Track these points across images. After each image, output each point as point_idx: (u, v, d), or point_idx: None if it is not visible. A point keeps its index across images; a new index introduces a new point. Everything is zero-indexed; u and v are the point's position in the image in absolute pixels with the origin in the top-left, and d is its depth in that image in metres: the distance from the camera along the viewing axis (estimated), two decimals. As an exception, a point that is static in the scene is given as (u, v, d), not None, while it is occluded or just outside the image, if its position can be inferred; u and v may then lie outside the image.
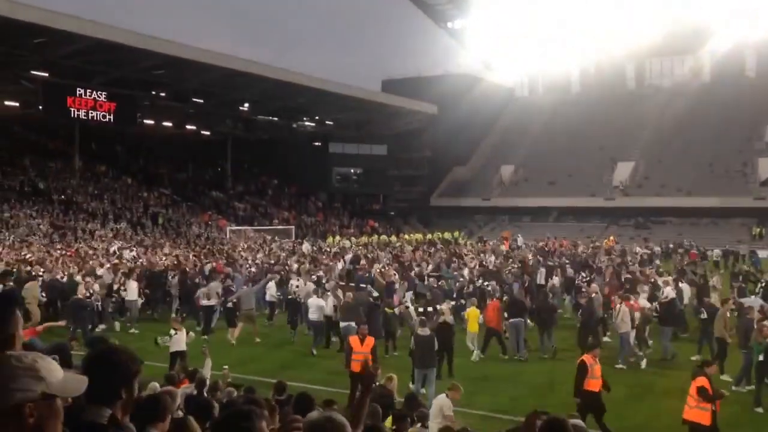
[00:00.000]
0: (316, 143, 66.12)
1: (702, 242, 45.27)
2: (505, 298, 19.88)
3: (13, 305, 2.37)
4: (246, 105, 53.02)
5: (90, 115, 41.14)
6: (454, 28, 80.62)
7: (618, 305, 16.98)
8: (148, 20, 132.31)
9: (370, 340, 13.37)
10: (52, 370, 1.92)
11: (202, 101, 48.65)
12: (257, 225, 51.41)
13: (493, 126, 75.05)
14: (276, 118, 56.89)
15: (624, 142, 64.72)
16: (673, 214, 56.32)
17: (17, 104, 43.94)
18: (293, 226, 52.19)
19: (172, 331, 14.66)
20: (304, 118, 59.37)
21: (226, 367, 12.06)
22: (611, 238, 49.15)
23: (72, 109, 40.14)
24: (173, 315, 19.79)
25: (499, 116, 75.99)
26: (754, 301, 19.05)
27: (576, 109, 71.23)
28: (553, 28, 72.67)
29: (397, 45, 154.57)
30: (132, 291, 21.24)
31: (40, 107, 40.46)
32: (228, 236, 45.73)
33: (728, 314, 15.75)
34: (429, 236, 53.39)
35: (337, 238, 49.26)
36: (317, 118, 59.51)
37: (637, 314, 16.85)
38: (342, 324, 17.25)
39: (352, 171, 69.81)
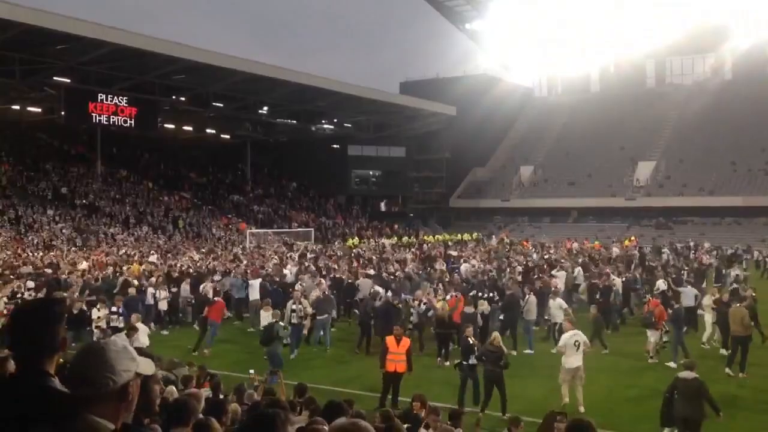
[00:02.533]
0: (335, 146, 66.28)
1: (724, 242, 44.74)
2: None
3: (57, 310, 2.47)
4: (265, 108, 53.28)
5: (111, 120, 41.49)
6: (472, 29, 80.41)
7: (528, 295, 19.14)
8: (168, 26, 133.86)
9: (406, 341, 13.40)
10: (135, 352, 2.21)
11: (221, 105, 48.98)
12: (277, 228, 51.66)
13: (512, 127, 74.75)
14: (295, 121, 57.10)
15: (645, 142, 64.17)
16: (696, 214, 55.68)
17: (39, 110, 44.58)
18: (312, 229, 52.37)
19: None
20: (323, 121, 59.53)
21: (252, 371, 12.17)
22: (632, 238, 48.76)
23: (93, 115, 40.51)
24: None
25: (518, 117, 75.65)
26: (689, 291, 20.18)
27: (595, 109, 70.74)
28: (571, 28, 72.23)
29: (416, 47, 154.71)
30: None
31: (62, 113, 40.95)
32: (248, 239, 45.99)
33: (745, 310, 15.62)
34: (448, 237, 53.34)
35: (356, 239, 49.40)
36: (336, 120, 59.65)
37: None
38: (318, 317, 18.68)
39: (370, 173, 69.87)
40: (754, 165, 57.30)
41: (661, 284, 21.23)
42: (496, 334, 13.65)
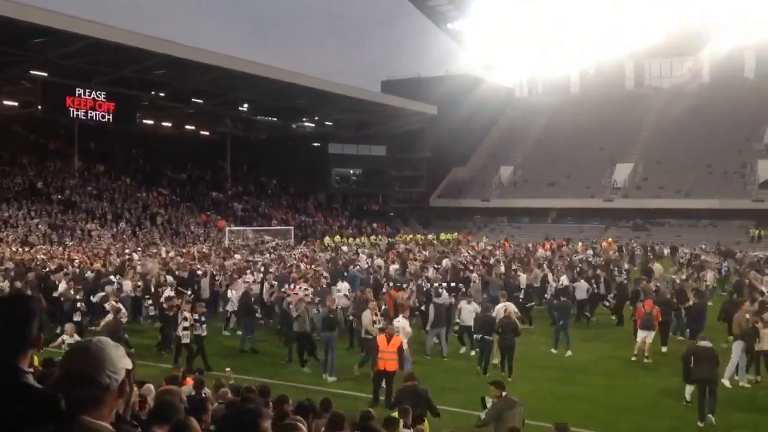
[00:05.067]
0: (316, 144, 66.11)
1: (697, 243, 45.23)
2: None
3: (32, 305, 2.41)
4: (245, 105, 52.99)
5: (89, 114, 41.11)
6: (454, 29, 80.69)
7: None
8: (150, 21, 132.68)
9: (396, 340, 13.21)
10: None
11: (201, 101, 48.64)
12: (256, 225, 51.37)
13: (493, 127, 75.07)
14: (275, 119, 56.88)
15: (623, 143, 64.77)
16: (672, 216, 56.34)
17: (16, 104, 43.94)
18: (292, 227, 52.16)
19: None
20: (304, 119, 59.35)
21: (229, 369, 12.12)
22: (609, 239, 49.20)
23: (71, 109, 40.11)
24: None
25: (499, 117, 75.99)
26: (581, 284, 21.99)
27: (575, 110, 71.26)
28: (552, 29, 72.72)
29: (397, 46, 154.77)
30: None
31: (39, 107, 40.44)
32: (227, 237, 45.69)
33: (747, 315, 15.63)
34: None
35: (336, 238, 49.31)
36: (317, 118, 59.48)
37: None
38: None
39: (351, 172, 69.79)
40: (730, 168, 58.06)
41: (564, 280, 23.00)
42: (511, 309, 15.88)
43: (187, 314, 15.65)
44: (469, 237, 53.42)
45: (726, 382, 14.02)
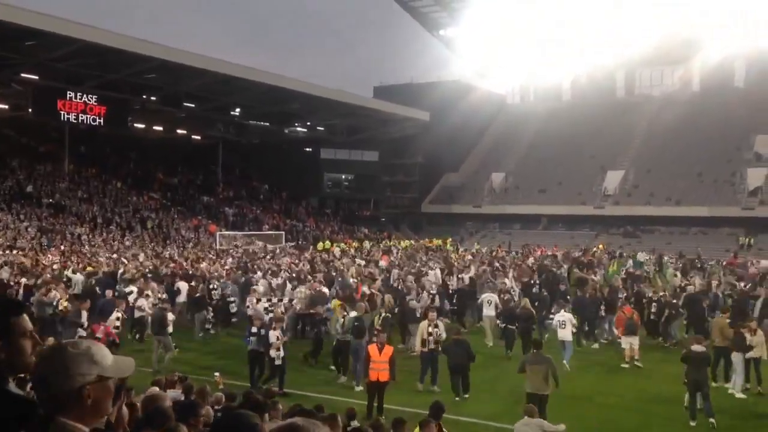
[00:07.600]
0: (308, 149, 66.06)
1: (688, 251, 45.37)
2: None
3: (8, 312, 2.34)
4: (237, 110, 52.91)
5: (80, 118, 40.95)
6: (447, 35, 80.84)
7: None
8: (150, 22, 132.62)
9: (388, 349, 13.09)
10: (105, 355, 2.15)
11: (193, 105, 48.53)
12: (247, 230, 51.25)
13: (485, 133, 75.19)
14: (267, 123, 56.82)
15: (614, 151, 65.00)
16: (662, 223, 56.52)
17: (7, 107, 43.75)
18: (283, 232, 52.08)
19: None
20: (296, 124, 59.31)
21: (217, 374, 12.07)
22: (600, 246, 49.33)
23: (62, 112, 39.95)
24: None
25: (491, 124, 76.12)
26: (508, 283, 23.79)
27: (567, 117, 71.45)
28: (544, 37, 72.95)
29: (390, 52, 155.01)
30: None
31: (30, 110, 40.27)
32: (218, 241, 45.56)
33: (726, 321, 15.74)
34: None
35: (327, 243, 49.23)
36: (309, 123, 59.46)
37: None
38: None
39: (343, 177, 69.77)
40: (720, 176, 58.33)
41: (507, 282, 24.14)
42: (526, 300, 18.79)
43: (278, 333, 14.38)
44: (428, 242, 52.95)
45: (737, 394, 14.11)
